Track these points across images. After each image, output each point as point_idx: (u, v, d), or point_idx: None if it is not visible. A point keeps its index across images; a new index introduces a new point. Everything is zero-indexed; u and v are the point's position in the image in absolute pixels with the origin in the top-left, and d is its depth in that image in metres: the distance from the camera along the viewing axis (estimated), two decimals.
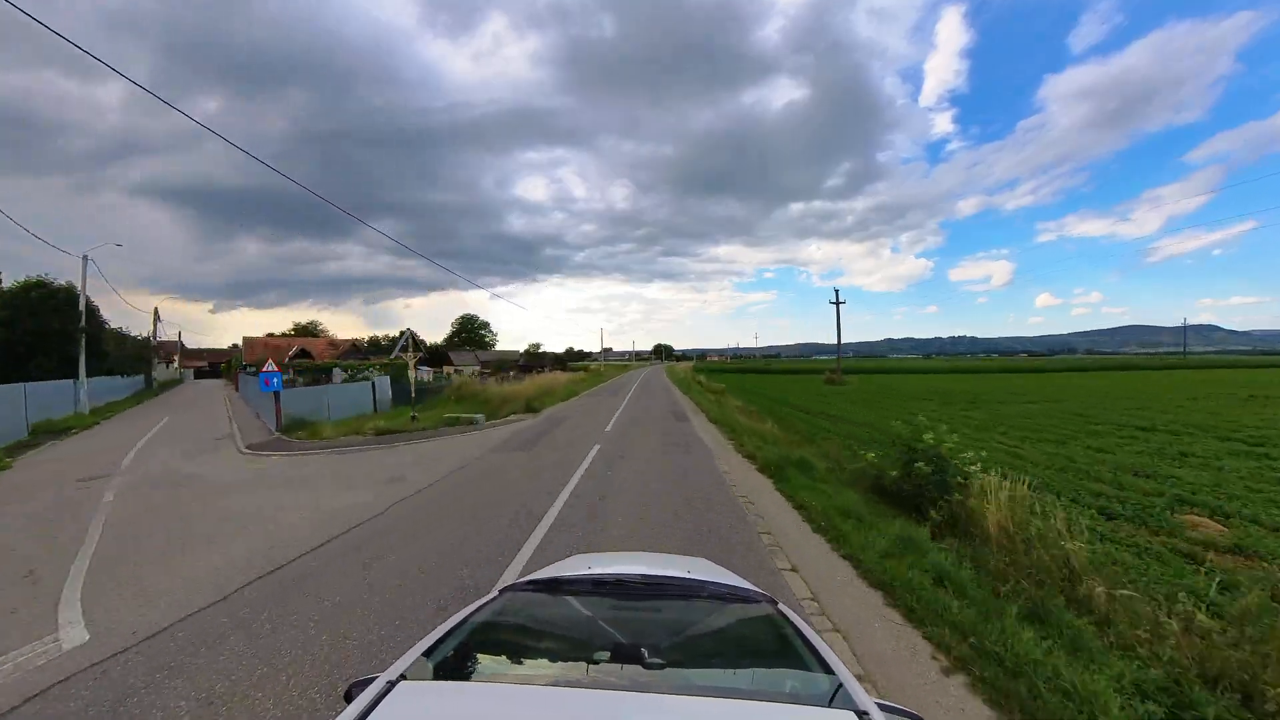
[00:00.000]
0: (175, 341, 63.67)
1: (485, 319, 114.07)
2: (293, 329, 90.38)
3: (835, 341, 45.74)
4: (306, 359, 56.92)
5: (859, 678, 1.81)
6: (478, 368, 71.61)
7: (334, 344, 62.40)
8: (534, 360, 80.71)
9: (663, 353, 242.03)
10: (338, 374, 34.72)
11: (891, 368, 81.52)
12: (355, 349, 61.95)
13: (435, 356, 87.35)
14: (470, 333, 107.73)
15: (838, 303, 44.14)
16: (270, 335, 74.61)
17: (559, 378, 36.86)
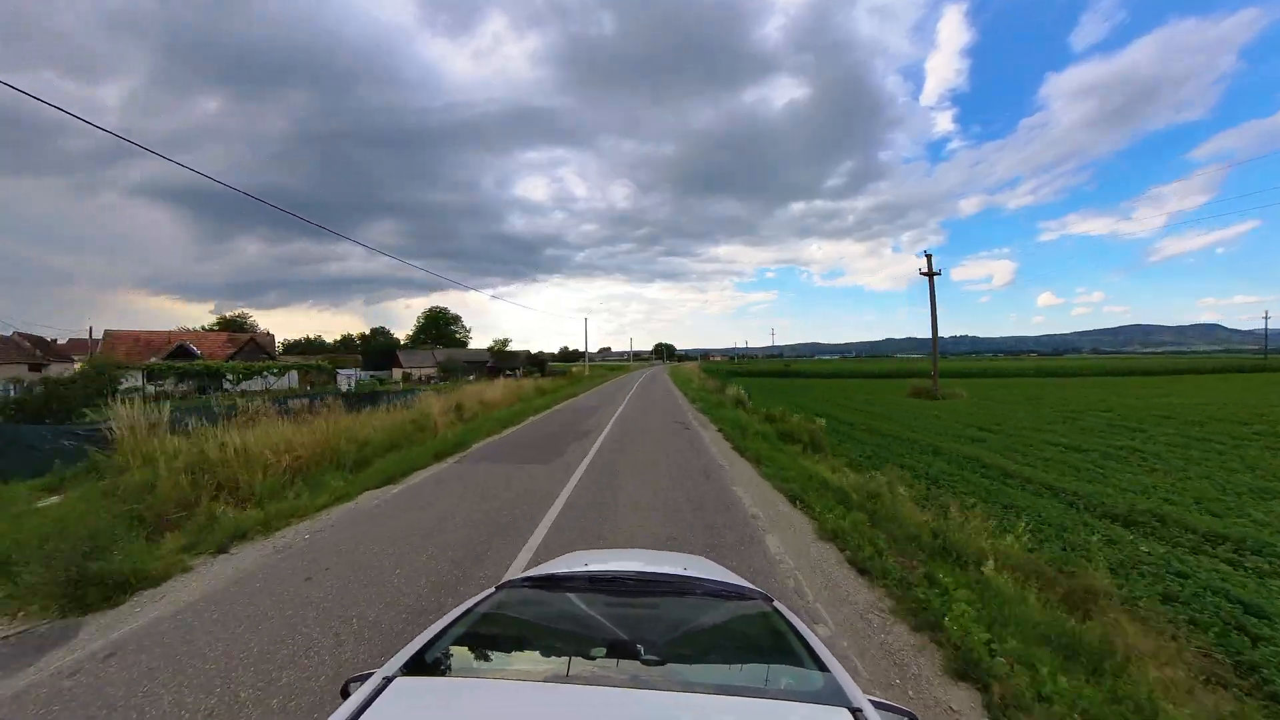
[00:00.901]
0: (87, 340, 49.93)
1: (457, 313, 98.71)
2: (217, 323, 75.73)
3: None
4: (188, 359, 42.09)
5: None
6: (433, 370, 57.21)
7: (232, 339, 47.18)
8: (504, 360, 65.50)
9: (664, 352, 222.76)
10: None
11: (951, 370, 64.46)
12: (256, 345, 46.78)
13: (384, 357, 70.35)
14: (439, 329, 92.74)
15: (931, 274, 29.39)
16: (204, 328, 60.05)
17: (489, 392, 21.50)
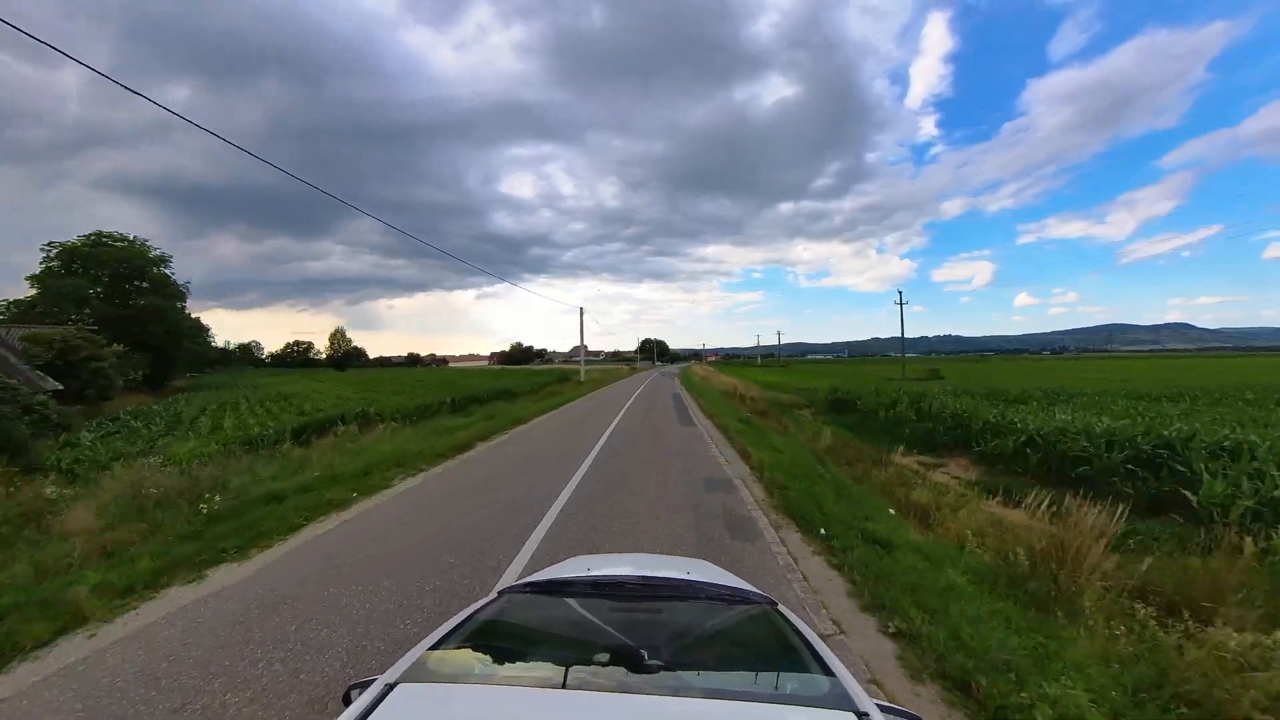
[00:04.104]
0: None
1: (165, 253, 47.34)
2: None
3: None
4: None
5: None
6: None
7: None
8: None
9: (655, 351, 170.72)
10: None
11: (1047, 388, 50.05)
12: None
13: None
14: (107, 283, 39.03)
15: None
16: None
17: None
